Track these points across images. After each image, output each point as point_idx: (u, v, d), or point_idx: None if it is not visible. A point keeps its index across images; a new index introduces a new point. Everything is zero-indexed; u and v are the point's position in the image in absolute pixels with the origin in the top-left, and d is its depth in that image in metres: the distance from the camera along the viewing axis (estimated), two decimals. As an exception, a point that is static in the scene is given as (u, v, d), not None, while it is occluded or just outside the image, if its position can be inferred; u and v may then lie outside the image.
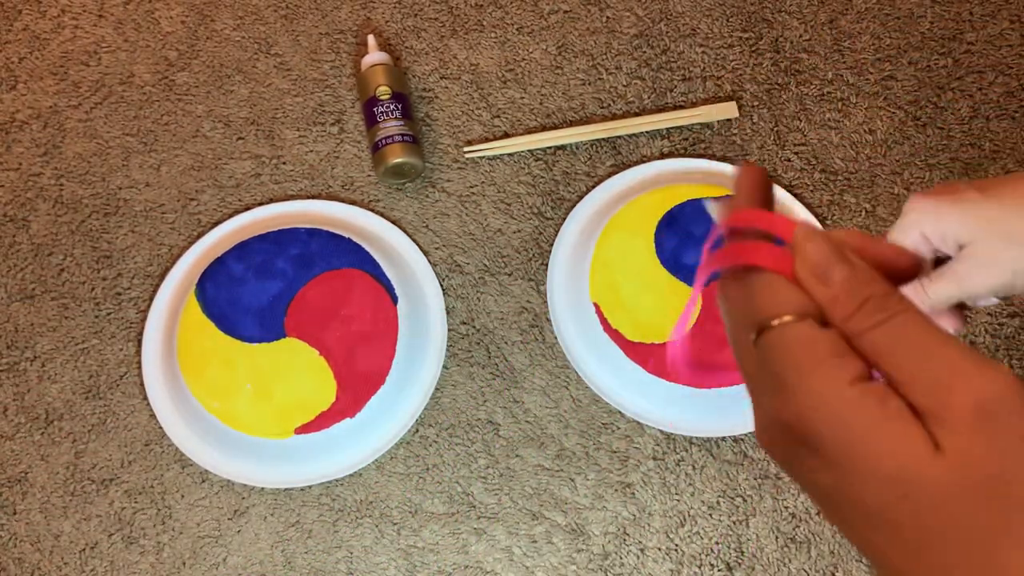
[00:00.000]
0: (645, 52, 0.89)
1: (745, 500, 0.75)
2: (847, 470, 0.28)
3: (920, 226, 0.51)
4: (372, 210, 0.85)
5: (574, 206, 0.84)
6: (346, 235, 0.81)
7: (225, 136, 0.89)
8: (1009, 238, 0.49)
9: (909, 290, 0.52)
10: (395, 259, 0.82)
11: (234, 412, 0.77)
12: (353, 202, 0.86)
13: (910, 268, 0.33)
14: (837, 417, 0.28)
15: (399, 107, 0.85)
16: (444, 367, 0.80)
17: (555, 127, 0.87)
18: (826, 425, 0.29)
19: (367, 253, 0.80)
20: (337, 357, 0.78)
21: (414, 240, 0.84)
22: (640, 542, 0.75)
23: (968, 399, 0.27)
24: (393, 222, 0.85)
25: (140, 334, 0.83)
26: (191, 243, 0.85)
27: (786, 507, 0.75)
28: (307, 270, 0.80)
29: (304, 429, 0.76)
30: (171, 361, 0.80)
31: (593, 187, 0.84)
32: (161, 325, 0.82)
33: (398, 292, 0.79)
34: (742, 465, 0.76)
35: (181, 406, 0.79)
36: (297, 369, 0.78)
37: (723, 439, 0.77)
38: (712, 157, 0.84)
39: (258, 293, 0.80)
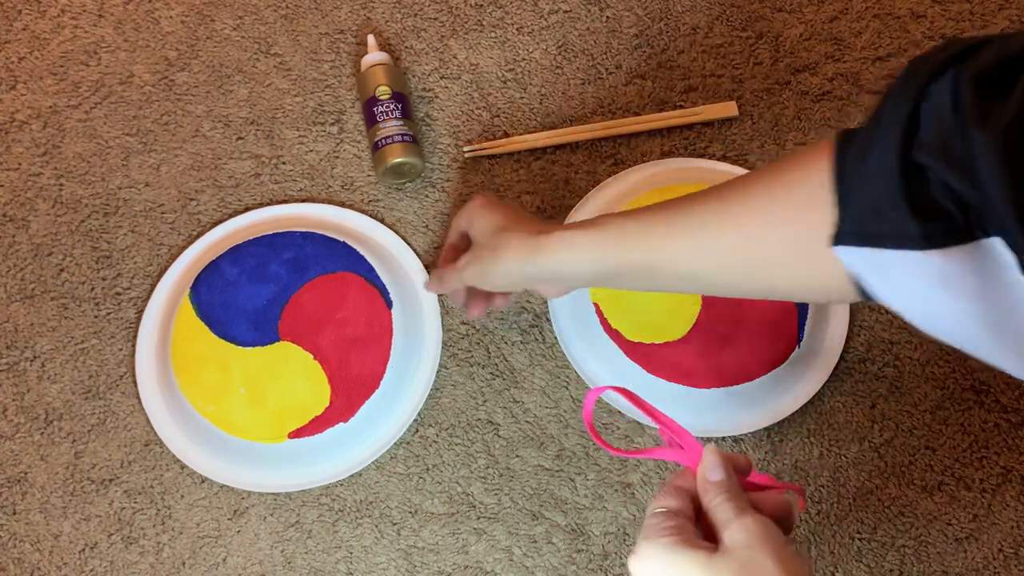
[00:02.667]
0: (645, 52, 0.89)
1: (745, 500, 0.75)
2: None
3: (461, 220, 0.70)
4: (367, 213, 0.85)
5: (573, 206, 0.84)
6: (340, 239, 0.81)
7: (225, 136, 0.89)
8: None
9: (433, 274, 0.74)
10: (389, 262, 0.82)
11: (228, 416, 0.77)
12: (351, 204, 0.86)
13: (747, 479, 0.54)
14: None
15: (399, 107, 0.85)
16: (444, 367, 0.80)
17: (555, 127, 0.87)
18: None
19: (361, 257, 0.80)
20: (331, 361, 0.78)
21: (409, 243, 0.84)
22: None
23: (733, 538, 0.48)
24: (392, 223, 0.85)
25: (137, 335, 0.83)
26: (190, 243, 0.85)
27: (786, 507, 0.75)
28: (301, 274, 0.80)
29: (298, 433, 0.76)
30: (165, 364, 0.80)
31: (593, 187, 0.84)
32: (155, 328, 0.82)
33: (392, 296, 0.79)
34: (742, 465, 0.76)
35: (175, 410, 0.79)
36: (291, 373, 0.77)
37: (722, 439, 0.77)
38: (712, 157, 0.84)
39: (252, 296, 0.80)
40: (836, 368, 0.78)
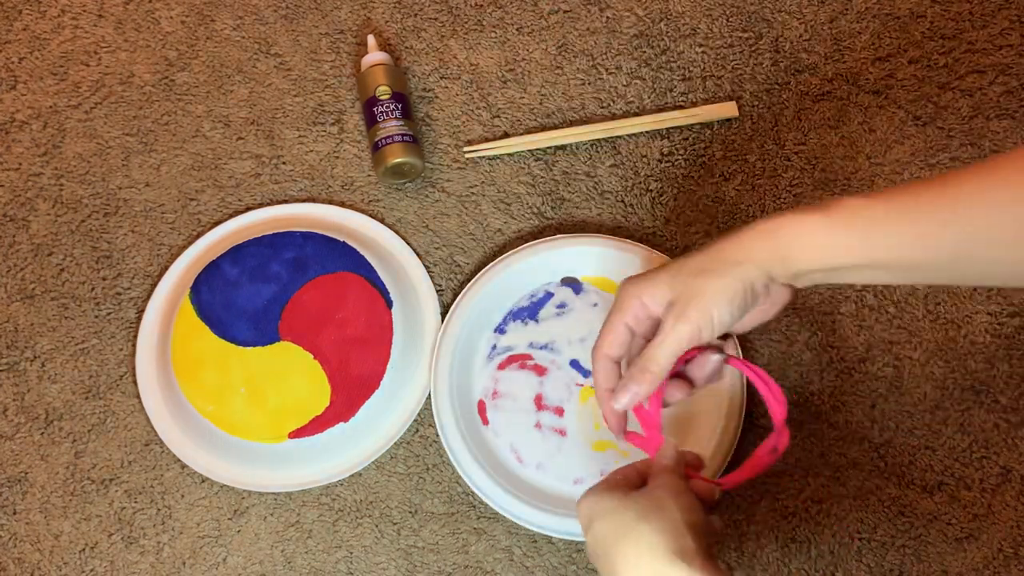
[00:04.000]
0: (645, 52, 0.89)
1: (745, 500, 0.75)
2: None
3: (639, 297, 0.60)
4: (367, 213, 0.85)
5: (573, 207, 0.84)
6: (341, 239, 0.81)
7: (225, 136, 0.89)
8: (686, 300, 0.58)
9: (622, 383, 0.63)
10: (390, 262, 0.82)
11: (228, 416, 0.77)
12: (351, 204, 0.86)
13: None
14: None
15: (399, 107, 0.85)
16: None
17: (555, 127, 0.87)
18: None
19: (362, 257, 0.80)
20: (331, 361, 0.78)
21: (409, 243, 0.84)
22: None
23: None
24: (392, 223, 0.85)
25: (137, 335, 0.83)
26: (190, 243, 0.85)
27: (786, 507, 0.75)
28: (302, 274, 0.80)
29: (298, 433, 0.76)
30: (165, 364, 0.80)
31: (592, 187, 0.84)
32: (155, 328, 0.82)
33: (392, 296, 0.79)
34: (742, 464, 0.76)
35: (175, 410, 0.79)
36: (291, 373, 0.77)
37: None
38: (712, 157, 0.84)
39: (252, 296, 0.80)
40: (832, 366, 0.78)
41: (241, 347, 0.78)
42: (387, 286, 0.80)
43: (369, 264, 0.80)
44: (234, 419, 0.77)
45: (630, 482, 0.61)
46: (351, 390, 0.77)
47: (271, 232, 0.82)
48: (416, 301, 0.82)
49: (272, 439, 0.76)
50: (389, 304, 0.79)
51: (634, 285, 0.61)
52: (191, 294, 0.80)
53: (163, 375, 0.80)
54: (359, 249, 0.81)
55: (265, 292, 0.80)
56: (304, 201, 0.86)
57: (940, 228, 0.54)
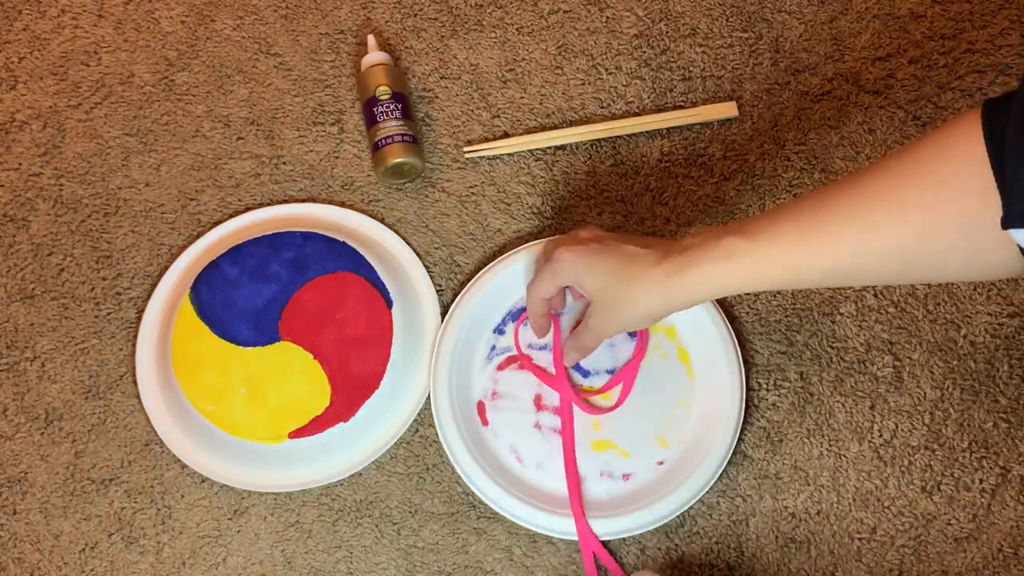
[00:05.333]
0: (645, 52, 0.89)
1: (745, 500, 0.75)
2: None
3: (564, 278, 0.69)
4: (367, 213, 0.85)
5: (574, 206, 0.84)
6: (341, 239, 0.81)
7: (225, 136, 0.89)
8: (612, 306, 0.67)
9: (567, 345, 0.75)
10: (390, 262, 0.82)
11: (228, 416, 0.77)
12: (351, 204, 0.86)
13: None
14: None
15: (399, 107, 0.85)
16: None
17: (555, 127, 0.87)
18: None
19: (362, 257, 0.80)
20: (331, 361, 0.78)
21: (409, 243, 0.84)
22: (640, 542, 0.75)
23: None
24: (392, 223, 0.85)
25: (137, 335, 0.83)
26: (191, 243, 0.85)
27: (786, 507, 0.75)
28: (302, 274, 0.80)
29: (298, 433, 0.76)
30: (165, 364, 0.80)
31: (592, 187, 0.84)
32: (155, 328, 0.82)
33: (392, 296, 0.79)
34: (742, 465, 0.76)
35: (175, 410, 0.79)
36: (291, 373, 0.77)
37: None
38: (712, 157, 0.84)
39: (252, 296, 0.80)
40: (832, 366, 0.78)
41: (241, 347, 0.79)
42: (387, 286, 0.80)
43: (369, 264, 0.80)
44: (234, 419, 0.77)
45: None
46: (351, 390, 0.77)
47: (271, 232, 0.82)
48: (416, 301, 0.82)
49: (272, 439, 0.76)
50: (389, 304, 0.79)
51: (573, 265, 0.68)
52: (191, 294, 0.80)
53: (163, 375, 0.80)
54: (359, 249, 0.81)
55: (265, 292, 0.80)
56: (304, 201, 0.86)
57: (821, 259, 0.57)
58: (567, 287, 0.75)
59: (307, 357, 0.78)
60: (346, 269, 0.80)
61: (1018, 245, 0.48)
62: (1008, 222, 0.47)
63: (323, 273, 0.80)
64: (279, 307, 0.79)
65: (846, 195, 0.55)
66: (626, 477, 0.76)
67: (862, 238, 0.54)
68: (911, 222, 0.52)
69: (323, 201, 0.86)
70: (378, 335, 0.78)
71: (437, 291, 0.82)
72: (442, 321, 0.81)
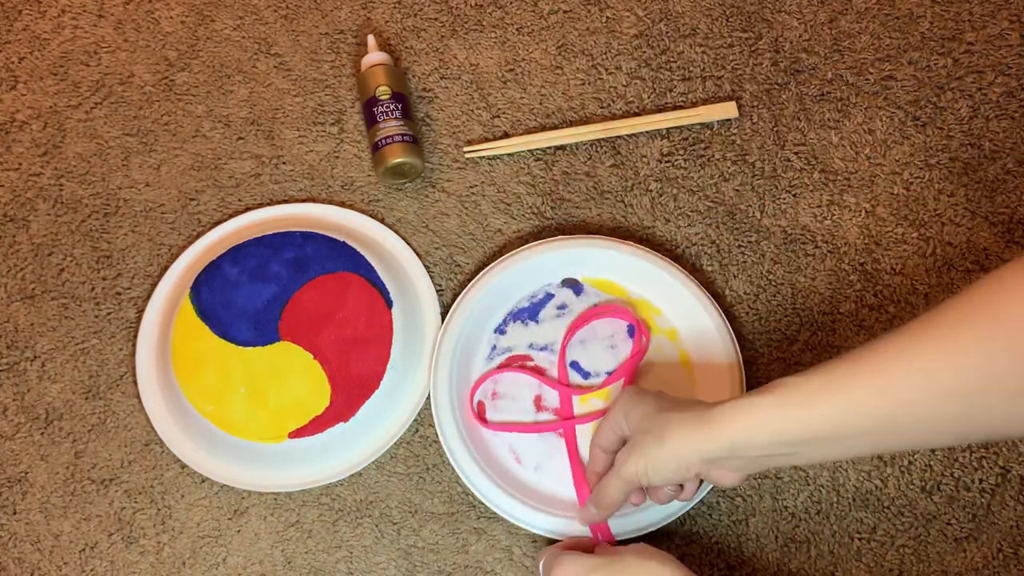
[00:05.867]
0: (645, 52, 0.89)
1: (745, 500, 0.75)
2: None
3: (615, 415, 0.68)
4: (367, 213, 0.85)
5: (572, 205, 0.84)
6: (341, 239, 0.81)
7: (225, 136, 0.89)
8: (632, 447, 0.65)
9: (588, 501, 0.72)
10: (390, 262, 0.82)
11: (228, 416, 0.77)
12: (351, 204, 0.86)
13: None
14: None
15: (399, 107, 0.85)
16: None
17: (555, 127, 0.87)
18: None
19: (362, 257, 0.80)
20: (331, 361, 0.78)
21: (409, 243, 0.84)
22: (640, 542, 0.75)
23: None
24: (392, 223, 0.85)
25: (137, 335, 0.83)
26: (191, 243, 0.85)
27: (786, 507, 0.75)
28: (302, 274, 0.80)
29: (298, 433, 0.76)
30: (165, 364, 0.80)
31: (592, 187, 0.84)
32: (155, 328, 0.82)
33: (392, 296, 0.79)
34: (742, 465, 0.76)
35: (175, 410, 0.79)
36: (291, 373, 0.77)
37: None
38: (712, 157, 0.84)
39: (253, 296, 0.80)
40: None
41: (241, 347, 0.78)
42: (387, 286, 0.80)
43: (369, 264, 0.80)
44: (234, 419, 0.77)
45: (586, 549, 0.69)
46: (351, 390, 0.77)
47: (271, 232, 0.82)
48: (416, 301, 0.82)
49: (272, 439, 0.76)
50: (389, 304, 0.79)
51: (624, 400, 0.68)
52: (191, 294, 0.80)
53: (163, 375, 0.80)
54: (359, 249, 0.81)
55: (265, 292, 0.80)
56: (304, 201, 0.86)
57: (874, 396, 0.53)
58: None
59: (307, 357, 0.78)
60: (346, 269, 0.80)
61: None
62: None
63: (323, 273, 0.80)
64: (279, 307, 0.79)
65: (899, 339, 0.52)
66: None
67: (920, 378, 0.51)
68: (970, 359, 0.49)
69: (323, 201, 0.86)
70: (378, 335, 0.78)
71: (437, 291, 0.83)
72: (442, 321, 0.81)
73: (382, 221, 0.85)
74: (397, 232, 0.84)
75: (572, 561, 0.65)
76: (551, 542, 0.76)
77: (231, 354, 0.78)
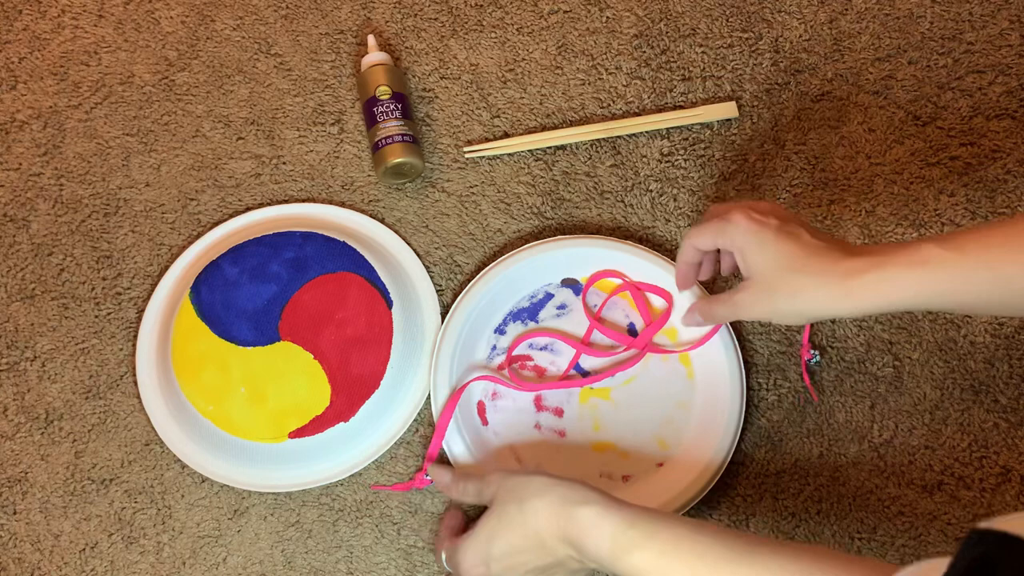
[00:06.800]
0: (645, 52, 0.89)
1: (745, 500, 0.75)
2: None
3: (730, 241, 0.65)
4: (367, 213, 0.85)
5: (573, 206, 0.84)
6: (341, 239, 0.81)
7: (225, 136, 0.89)
8: (775, 289, 0.63)
9: (696, 304, 0.73)
10: (389, 262, 0.82)
11: (228, 416, 0.77)
12: (351, 204, 0.86)
13: None
14: None
15: (399, 107, 0.85)
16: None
17: (555, 127, 0.87)
18: None
19: (362, 257, 0.80)
20: (331, 361, 0.78)
21: (409, 243, 0.84)
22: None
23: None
24: (392, 223, 0.85)
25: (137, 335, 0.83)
26: (191, 243, 0.85)
27: (786, 507, 0.75)
28: (302, 274, 0.80)
29: (298, 433, 0.76)
30: (165, 364, 0.80)
31: (593, 188, 0.84)
32: (155, 328, 0.82)
33: (392, 296, 0.79)
34: (742, 464, 0.76)
35: (175, 410, 0.79)
36: (291, 373, 0.77)
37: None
38: (712, 157, 0.84)
39: (252, 296, 0.80)
40: (832, 366, 0.78)
41: (241, 347, 0.78)
42: (387, 286, 0.79)
43: (369, 264, 0.80)
44: (234, 419, 0.77)
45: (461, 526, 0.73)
46: (351, 390, 0.77)
47: (271, 232, 0.82)
48: (416, 301, 0.82)
49: (272, 439, 0.76)
50: (389, 304, 0.79)
51: (745, 234, 0.64)
52: (191, 294, 0.80)
53: (163, 375, 0.80)
54: (359, 249, 0.81)
55: (265, 292, 0.80)
56: (304, 201, 0.86)
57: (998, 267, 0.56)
58: (722, 255, 0.72)
59: (307, 357, 0.78)
60: (346, 269, 0.80)
61: None
62: None
63: (323, 273, 0.80)
64: (279, 307, 0.79)
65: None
66: (626, 479, 0.76)
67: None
68: None
69: (323, 201, 0.86)
70: (378, 335, 0.78)
71: (437, 291, 0.83)
72: (442, 321, 0.81)
73: (382, 221, 0.85)
74: (397, 232, 0.84)
75: (468, 545, 0.66)
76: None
77: (231, 354, 0.78)
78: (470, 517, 0.75)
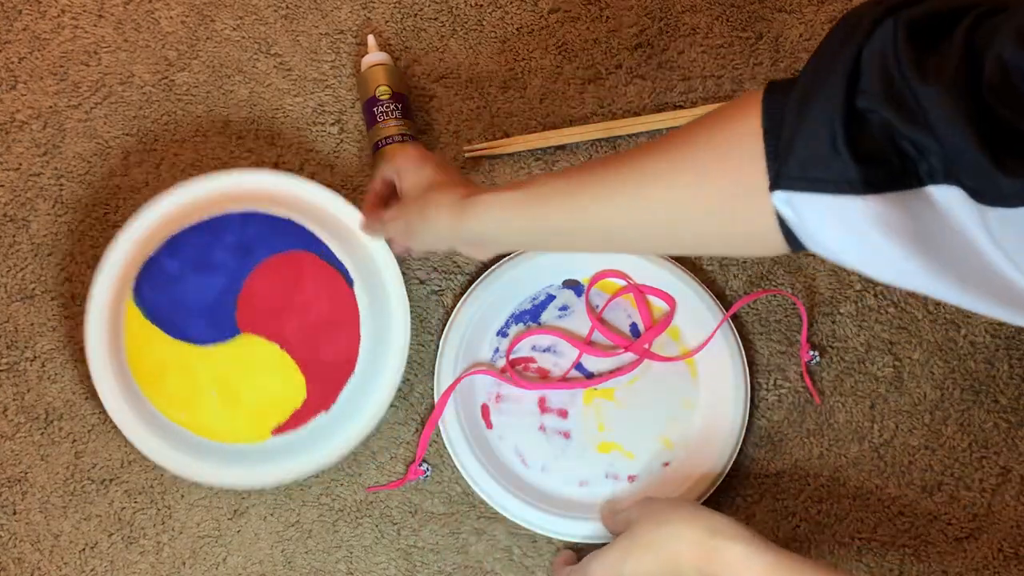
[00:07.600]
0: (645, 52, 0.89)
1: (745, 500, 0.75)
2: None
3: (395, 163, 0.72)
4: (307, 177, 0.80)
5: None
6: (285, 215, 0.76)
7: (225, 136, 0.89)
8: None
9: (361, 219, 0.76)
10: (342, 235, 0.77)
11: (203, 421, 0.74)
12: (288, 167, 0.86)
13: None
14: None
15: (399, 107, 0.85)
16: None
17: (555, 127, 0.87)
18: None
19: (310, 234, 0.75)
20: (299, 350, 0.74)
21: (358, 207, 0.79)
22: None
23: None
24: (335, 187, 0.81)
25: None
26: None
27: (786, 507, 0.75)
28: (248, 258, 0.75)
29: (281, 429, 0.74)
30: (125, 376, 0.76)
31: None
32: (103, 339, 0.76)
33: (352, 274, 0.75)
34: (742, 465, 0.76)
35: (150, 424, 0.75)
36: (260, 368, 0.74)
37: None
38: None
39: (200, 290, 0.75)
40: (832, 366, 0.78)
41: (201, 346, 0.74)
42: (344, 264, 0.75)
43: (319, 240, 0.75)
44: (211, 424, 0.74)
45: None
46: (326, 378, 0.74)
47: (207, 217, 0.76)
48: (378, 276, 0.77)
49: (255, 439, 0.74)
50: (350, 282, 0.75)
51: (404, 159, 0.71)
52: (134, 296, 0.75)
53: (126, 388, 0.75)
54: (307, 225, 0.75)
55: (213, 283, 0.75)
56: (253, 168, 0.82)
57: (599, 204, 0.58)
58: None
59: (273, 348, 0.74)
60: (296, 247, 0.75)
61: (776, 212, 0.48)
62: (772, 186, 0.48)
63: (272, 254, 0.75)
64: (232, 297, 0.75)
65: (637, 154, 0.57)
66: (631, 479, 0.76)
67: (640, 187, 0.56)
68: (683, 176, 0.54)
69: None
70: (344, 316, 0.74)
71: (437, 292, 0.82)
72: (407, 293, 0.78)
73: (337, 192, 0.80)
74: (358, 206, 0.79)
75: (599, 563, 0.66)
76: (551, 542, 0.76)
77: (192, 355, 0.74)
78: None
